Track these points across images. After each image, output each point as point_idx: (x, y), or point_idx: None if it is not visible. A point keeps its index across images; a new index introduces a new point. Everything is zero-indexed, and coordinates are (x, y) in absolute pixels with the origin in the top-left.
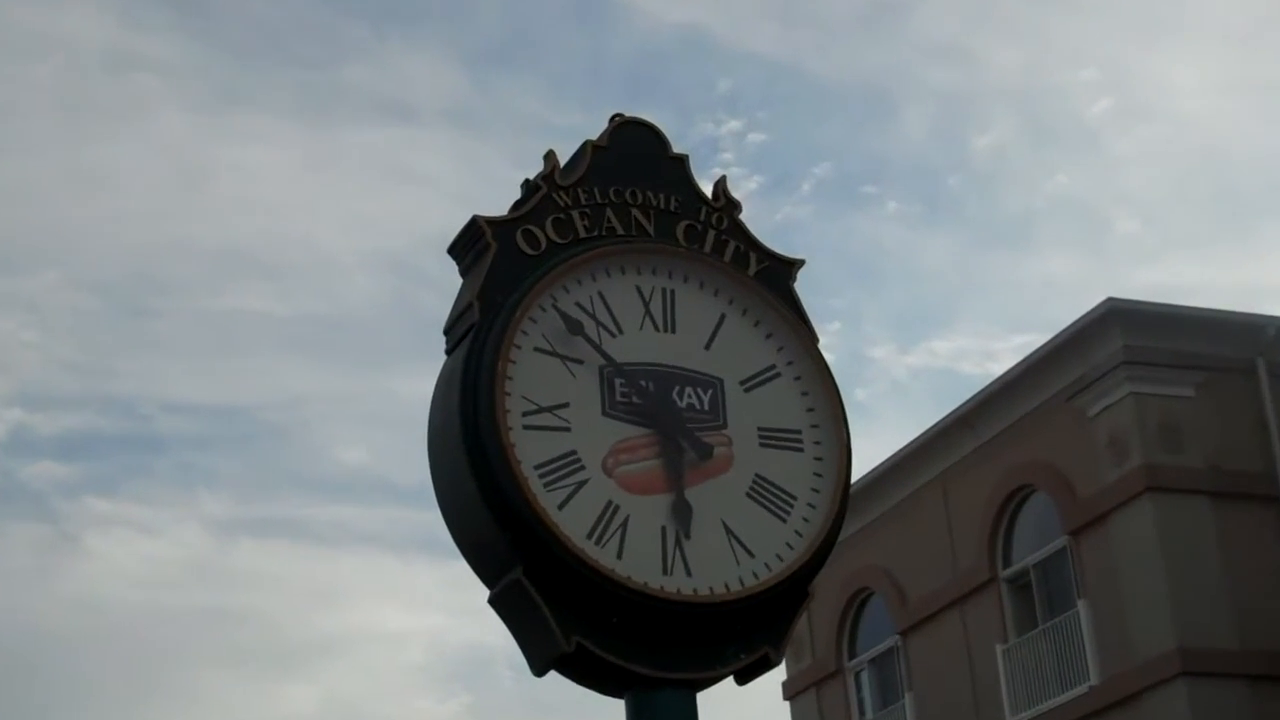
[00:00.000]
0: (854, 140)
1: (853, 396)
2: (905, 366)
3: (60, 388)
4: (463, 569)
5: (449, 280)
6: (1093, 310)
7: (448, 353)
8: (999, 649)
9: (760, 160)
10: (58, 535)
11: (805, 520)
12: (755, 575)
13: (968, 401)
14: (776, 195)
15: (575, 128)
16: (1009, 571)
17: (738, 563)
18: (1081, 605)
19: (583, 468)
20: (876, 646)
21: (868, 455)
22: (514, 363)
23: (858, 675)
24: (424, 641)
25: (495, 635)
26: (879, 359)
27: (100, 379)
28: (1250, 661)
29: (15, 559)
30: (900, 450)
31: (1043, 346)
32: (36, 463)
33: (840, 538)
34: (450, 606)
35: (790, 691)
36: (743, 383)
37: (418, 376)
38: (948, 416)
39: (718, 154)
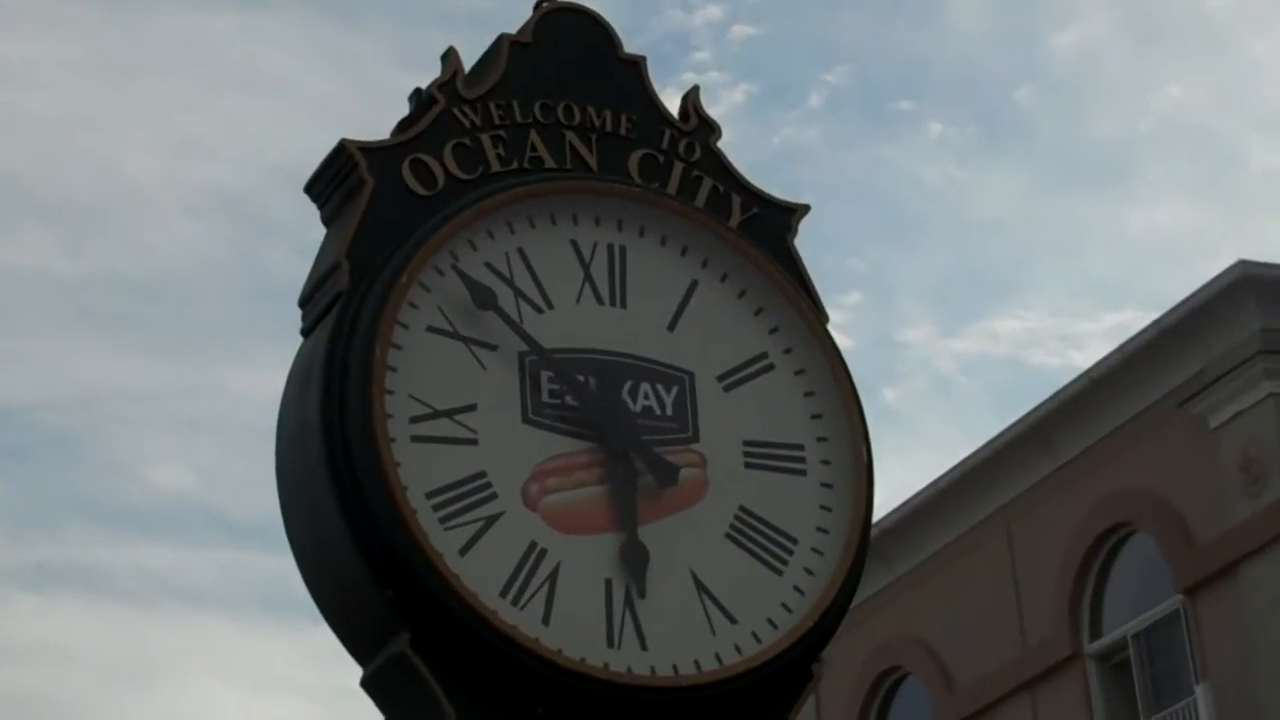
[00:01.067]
0: (882, 36)
1: (877, 397)
2: (952, 355)
3: None
4: (328, 638)
5: (307, 231)
6: (1219, 278)
7: (304, 333)
8: None
9: (750, 63)
10: None
11: (809, 572)
12: (738, 649)
13: (1041, 405)
14: (772, 113)
15: (487, 15)
16: (1099, 645)
17: (713, 632)
18: (1200, 692)
19: (495, 496)
20: None
21: (899, 481)
22: (398, 348)
23: None
24: None
25: None
26: (915, 345)
27: None
28: None
29: None
30: (944, 475)
31: (1146, 329)
32: None
33: (862, 596)
34: (313, 691)
35: None
36: (721, 378)
37: (265, 365)
38: (1013, 427)
39: (689, 54)
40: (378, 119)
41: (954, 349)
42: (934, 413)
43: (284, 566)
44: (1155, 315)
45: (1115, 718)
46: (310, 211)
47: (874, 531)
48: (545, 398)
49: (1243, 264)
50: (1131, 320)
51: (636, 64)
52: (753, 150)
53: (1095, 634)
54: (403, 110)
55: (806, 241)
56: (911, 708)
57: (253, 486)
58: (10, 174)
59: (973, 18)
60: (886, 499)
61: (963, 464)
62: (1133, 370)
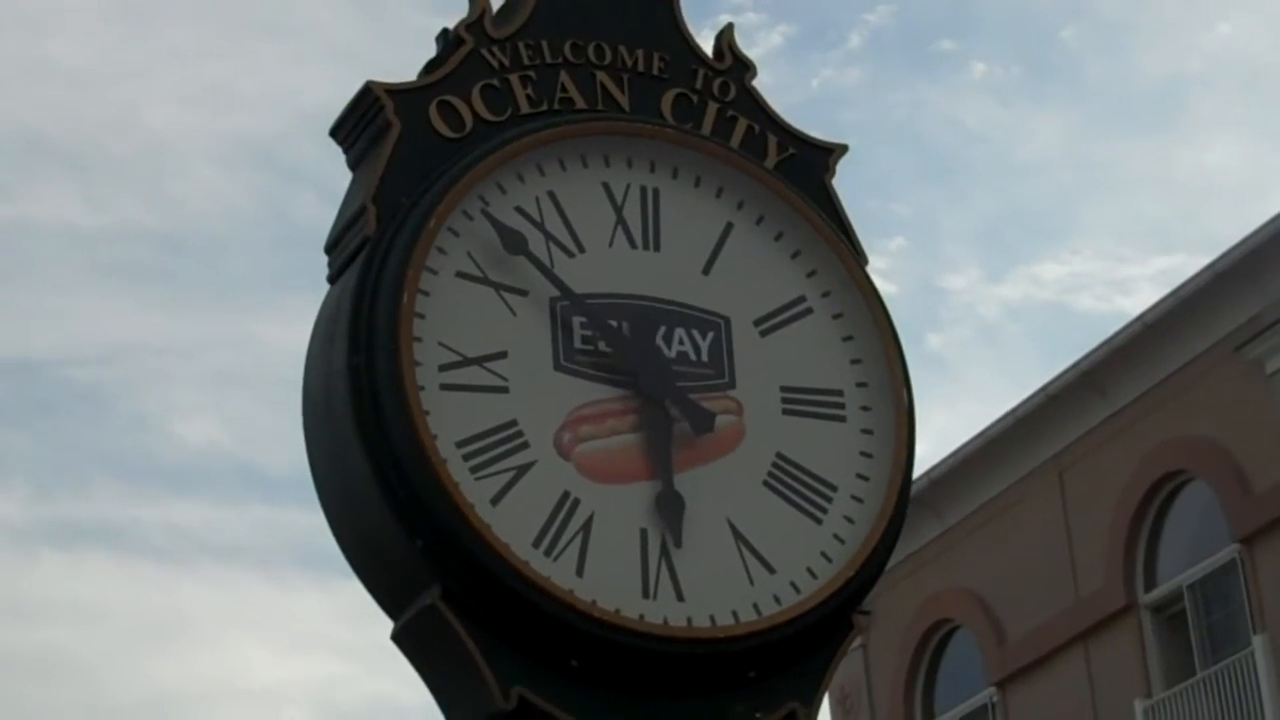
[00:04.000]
0: None
1: (921, 344)
2: (998, 301)
3: None
4: (362, 593)
5: (336, 177)
6: (1275, 219)
7: (331, 280)
8: (1140, 706)
9: (788, 4)
10: None
11: (849, 520)
12: (776, 599)
13: (1092, 352)
14: (811, 54)
15: None
16: (1154, 596)
17: (751, 582)
18: (1258, 643)
19: (527, 445)
20: (964, 704)
21: (945, 431)
22: (426, 294)
23: None
24: (306, 697)
25: (408, 687)
26: (959, 291)
27: None
28: None
29: None
30: (994, 424)
31: (1200, 273)
32: None
33: (910, 548)
34: (345, 647)
35: None
36: (758, 323)
37: (291, 317)
38: (1064, 374)
39: None
40: (405, 63)
41: (999, 295)
42: (979, 360)
43: (317, 522)
44: (1205, 259)
45: (1171, 670)
46: (340, 159)
47: (922, 483)
48: (578, 344)
49: None
50: (1181, 264)
51: (670, 2)
52: (791, 94)
53: (1150, 585)
54: (430, 53)
55: (848, 185)
56: (962, 661)
57: (286, 440)
58: (33, 125)
59: None
60: (933, 449)
61: (1013, 412)
62: (1187, 314)
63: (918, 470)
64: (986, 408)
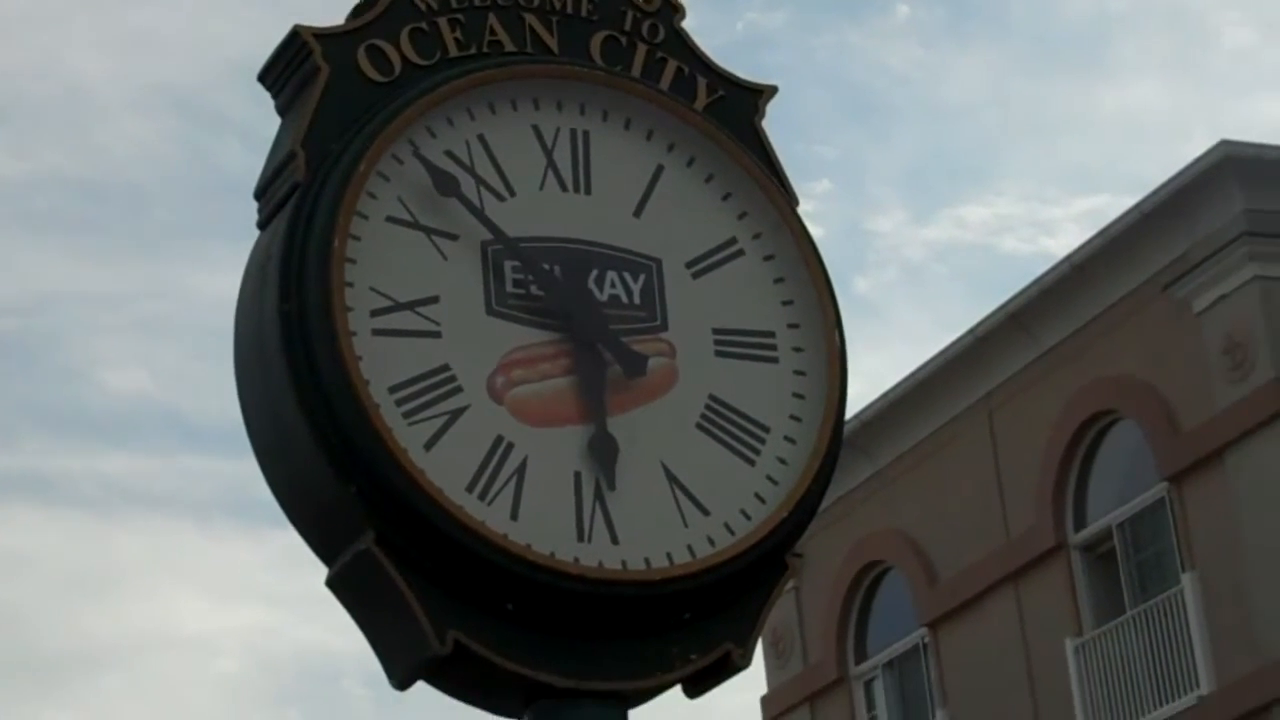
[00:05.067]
0: None
1: (850, 287)
2: (923, 243)
3: None
4: (294, 541)
5: (267, 123)
6: (1200, 159)
7: (260, 227)
8: (1070, 645)
9: None
10: None
11: (782, 461)
12: (710, 541)
13: (1021, 293)
14: None
15: None
16: (1083, 535)
17: (685, 523)
18: (1188, 580)
19: (460, 390)
20: (895, 645)
21: (876, 373)
22: (357, 239)
23: (869, 685)
24: (239, 646)
25: (343, 635)
26: (886, 233)
27: None
28: None
29: None
30: (923, 366)
31: (1127, 213)
32: None
33: (841, 490)
34: (276, 596)
35: (774, 709)
36: (690, 264)
37: (221, 264)
38: (992, 315)
39: None
40: (330, 7)
41: (925, 237)
42: (907, 302)
43: (247, 470)
44: (1129, 199)
45: (1101, 608)
46: (264, 106)
47: (853, 425)
48: (509, 288)
49: (1225, 144)
50: (1105, 205)
51: None
52: (716, 35)
53: (1079, 524)
54: (349, 2)
55: (775, 128)
56: (893, 602)
57: (214, 389)
58: None
59: None
60: (863, 391)
61: (943, 353)
62: (1114, 255)
63: (848, 413)
64: (915, 350)
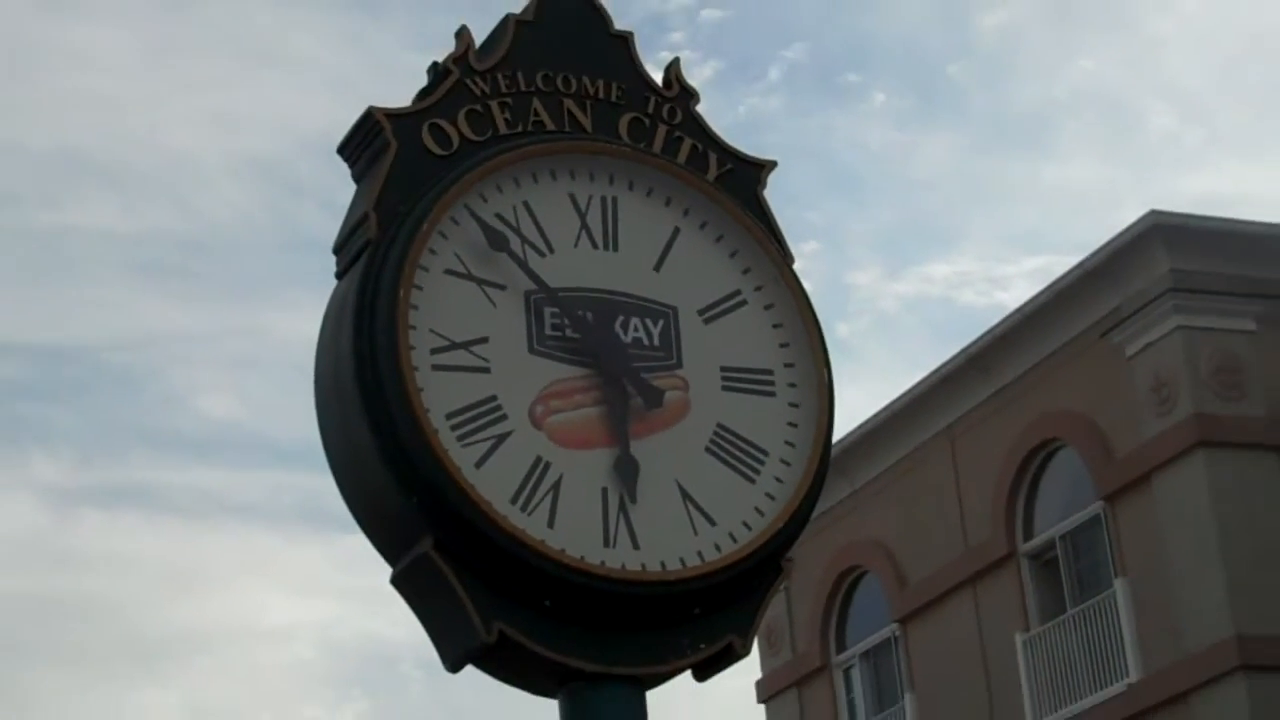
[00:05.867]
0: (833, 18)
1: (833, 333)
2: (895, 296)
3: None
4: (360, 545)
5: (339, 189)
6: (1132, 226)
7: (338, 277)
8: (1019, 639)
9: (718, 42)
10: None
11: (778, 480)
12: (717, 548)
13: (980, 338)
14: (737, 85)
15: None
16: (1031, 545)
17: (695, 532)
18: (1119, 585)
19: (505, 417)
20: (870, 638)
21: (856, 405)
22: (420, 288)
23: (847, 672)
24: (312, 635)
25: (400, 626)
26: (863, 287)
27: None
28: None
29: None
30: (894, 400)
31: (1071, 271)
32: None
33: (826, 506)
34: (345, 591)
35: (766, 692)
36: (701, 312)
37: (300, 308)
38: (953, 358)
39: (665, 34)
40: (397, 91)
41: (896, 290)
42: (880, 345)
43: (321, 484)
44: (1070, 259)
45: (1046, 608)
46: (334, 175)
47: (835, 449)
48: (548, 330)
49: (1154, 213)
50: (1050, 264)
51: (625, 39)
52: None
53: (1028, 535)
54: (412, 87)
55: (772, 196)
56: (869, 601)
57: (295, 415)
58: (75, 145)
59: (913, 1)
60: (844, 421)
61: (911, 390)
62: (1060, 306)
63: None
64: (887, 386)
